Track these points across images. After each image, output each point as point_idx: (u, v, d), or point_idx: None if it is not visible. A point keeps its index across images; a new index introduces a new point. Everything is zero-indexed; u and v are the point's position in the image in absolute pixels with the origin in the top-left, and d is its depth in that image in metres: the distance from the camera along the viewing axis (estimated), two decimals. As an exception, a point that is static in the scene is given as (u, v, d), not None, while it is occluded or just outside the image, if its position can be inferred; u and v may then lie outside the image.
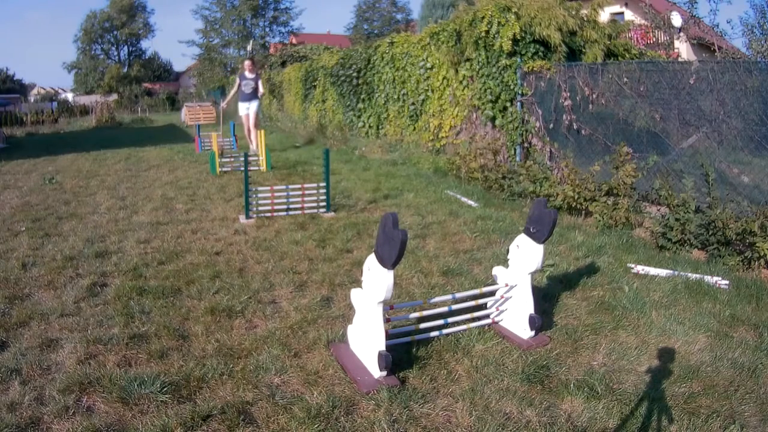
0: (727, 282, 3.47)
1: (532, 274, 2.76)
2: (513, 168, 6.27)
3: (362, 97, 10.76)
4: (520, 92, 6.65)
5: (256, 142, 9.27)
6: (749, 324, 2.90)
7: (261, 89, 10.09)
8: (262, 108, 21.94)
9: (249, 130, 10.15)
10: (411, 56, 8.95)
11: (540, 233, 2.65)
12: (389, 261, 2.21)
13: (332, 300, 3.22)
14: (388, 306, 2.53)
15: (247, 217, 5.03)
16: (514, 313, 2.78)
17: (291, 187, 5.21)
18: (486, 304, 2.87)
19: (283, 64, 19.62)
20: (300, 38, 33.04)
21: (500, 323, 2.86)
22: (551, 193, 5.24)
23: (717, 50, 9.53)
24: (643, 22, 12.39)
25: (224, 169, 7.79)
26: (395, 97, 9.56)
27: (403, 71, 9.22)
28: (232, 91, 10.57)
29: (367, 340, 2.39)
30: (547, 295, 3.25)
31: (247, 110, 10.10)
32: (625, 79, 5.57)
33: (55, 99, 36.09)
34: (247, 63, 10.11)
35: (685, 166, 4.88)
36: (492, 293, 2.85)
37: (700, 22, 9.78)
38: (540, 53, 6.61)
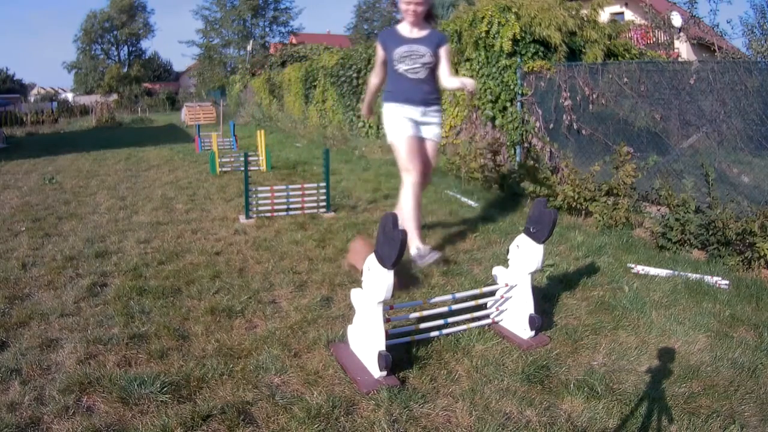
0: (727, 282, 3.47)
1: (532, 274, 2.76)
2: (513, 168, 6.27)
3: (362, 97, 10.75)
4: (520, 92, 6.65)
5: (418, 228, 3.69)
6: (749, 324, 2.90)
7: (447, 72, 3.59)
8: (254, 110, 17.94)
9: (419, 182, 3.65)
10: (411, 56, 8.94)
11: (540, 233, 2.65)
12: (389, 261, 2.21)
13: (332, 300, 3.22)
14: (388, 306, 2.53)
15: (247, 217, 5.03)
16: (514, 313, 2.78)
17: (291, 187, 5.21)
18: (486, 304, 2.87)
19: (283, 64, 19.64)
20: (300, 38, 33.09)
21: (500, 323, 2.86)
22: (551, 193, 5.24)
23: (717, 50, 9.54)
24: (643, 22, 12.38)
25: (224, 169, 7.79)
26: (395, 97, 9.54)
27: (403, 71, 9.20)
28: (375, 80, 3.95)
29: (367, 340, 2.39)
30: (547, 295, 3.25)
31: (420, 131, 3.70)
32: (625, 79, 5.57)
33: (55, 99, 36.15)
34: (408, 8, 3.47)
35: (685, 166, 4.89)
36: (492, 293, 2.85)
37: (700, 22, 9.79)
38: (540, 53, 6.61)
